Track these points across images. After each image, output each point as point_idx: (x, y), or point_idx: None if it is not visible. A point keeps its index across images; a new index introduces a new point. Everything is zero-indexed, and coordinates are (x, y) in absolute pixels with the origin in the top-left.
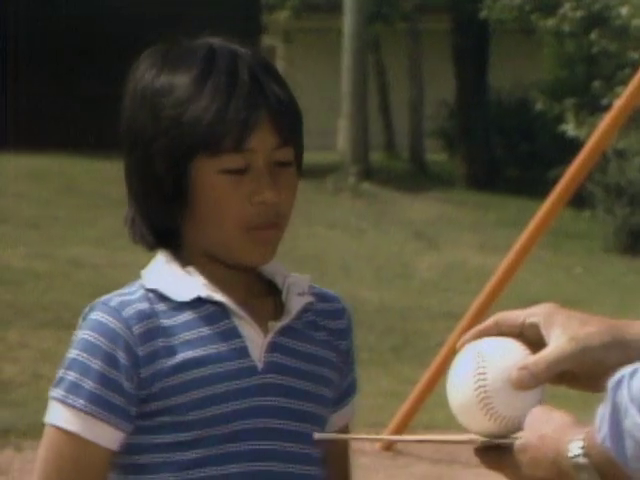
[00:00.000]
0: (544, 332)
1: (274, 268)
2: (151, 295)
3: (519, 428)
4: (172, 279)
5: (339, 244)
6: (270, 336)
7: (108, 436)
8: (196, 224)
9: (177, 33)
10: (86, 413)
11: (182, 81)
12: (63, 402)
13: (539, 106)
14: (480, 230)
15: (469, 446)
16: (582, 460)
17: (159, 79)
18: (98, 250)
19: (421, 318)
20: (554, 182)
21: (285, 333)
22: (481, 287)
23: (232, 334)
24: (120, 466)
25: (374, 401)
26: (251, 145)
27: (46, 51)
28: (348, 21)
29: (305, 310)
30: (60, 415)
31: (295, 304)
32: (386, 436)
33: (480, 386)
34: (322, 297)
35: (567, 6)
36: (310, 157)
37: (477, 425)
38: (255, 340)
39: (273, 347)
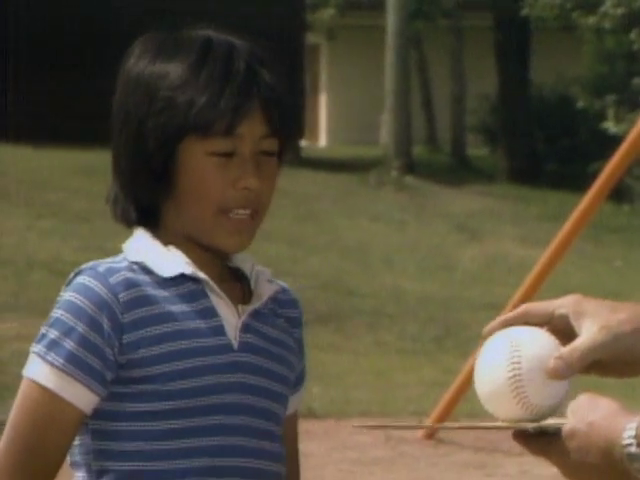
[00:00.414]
0: (574, 323)
1: (242, 256)
2: (135, 267)
3: (546, 416)
4: (156, 254)
5: (382, 236)
6: (244, 317)
7: (82, 397)
8: (178, 204)
9: (222, 30)
10: (63, 372)
11: (179, 66)
12: (43, 358)
13: (580, 103)
14: (521, 223)
15: (509, 433)
16: (635, 450)
17: (155, 64)
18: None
19: (463, 309)
20: (594, 176)
21: (255, 316)
22: (522, 279)
23: (210, 313)
24: (97, 432)
25: (416, 390)
26: (241, 131)
27: (93, 49)
28: (391, 18)
29: (270, 298)
30: (39, 370)
31: (265, 290)
32: (428, 424)
33: (515, 375)
34: (280, 288)
35: (608, 4)
36: (353, 151)
37: (507, 412)
38: (230, 320)
39: (246, 328)
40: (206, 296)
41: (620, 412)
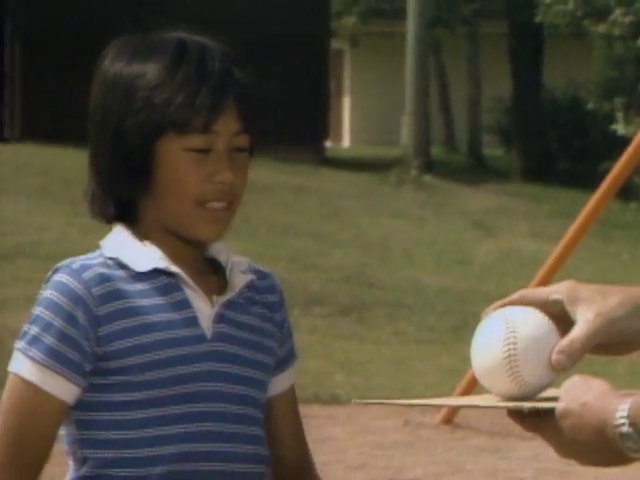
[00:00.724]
0: (568, 307)
1: (218, 247)
2: (110, 262)
3: (538, 393)
4: (131, 250)
5: (402, 232)
6: (217, 308)
7: (63, 389)
8: (156, 198)
9: (252, 36)
10: (44, 365)
11: (155, 67)
12: (25, 354)
13: (590, 106)
14: (534, 220)
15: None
16: (626, 429)
17: (131, 65)
18: None
19: (479, 301)
20: (603, 175)
21: (229, 306)
22: (535, 272)
23: (184, 305)
24: (80, 422)
25: (434, 377)
26: (216, 128)
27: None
28: (411, 26)
29: (245, 286)
30: (22, 365)
31: (239, 281)
32: (430, 400)
33: (510, 354)
34: (258, 274)
35: (617, 12)
36: (375, 151)
37: (501, 389)
38: (204, 311)
39: (220, 318)
40: (180, 289)
41: (611, 393)
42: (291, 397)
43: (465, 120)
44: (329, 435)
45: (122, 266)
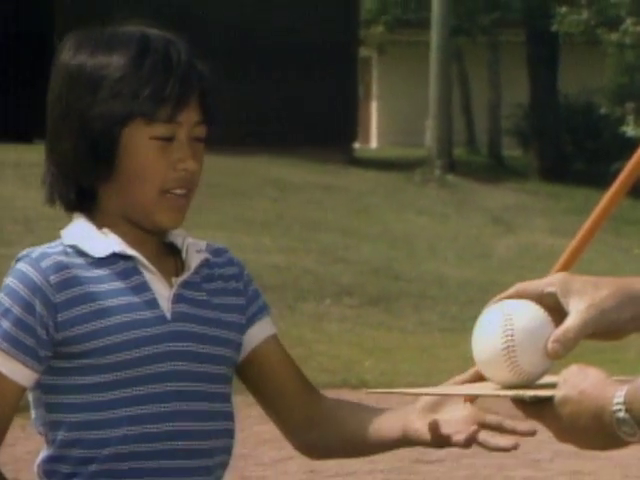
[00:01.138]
0: (562, 300)
1: (175, 231)
2: (70, 250)
3: (535, 381)
4: (89, 237)
5: (426, 228)
6: (175, 289)
7: (18, 372)
8: (119, 186)
9: (288, 44)
10: (1, 350)
11: (121, 59)
12: None
13: (603, 110)
14: (551, 216)
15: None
16: (623, 415)
17: (96, 57)
18: (219, 233)
19: (498, 292)
20: (615, 175)
21: (187, 286)
22: (551, 266)
23: (143, 288)
24: (49, 405)
25: (456, 364)
26: (181, 118)
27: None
28: (435, 35)
29: (202, 266)
30: None
31: (194, 260)
32: (436, 389)
33: (508, 346)
34: (216, 252)
35: (628, 22)
36: (401, 152)
37: (501, 378)
38: (162, 293)
39: (178, 299)
40: (139, 273)
41: (608, 381)
42: (274, 346)
43: (485, 123)
44: None
45: (81, 253)
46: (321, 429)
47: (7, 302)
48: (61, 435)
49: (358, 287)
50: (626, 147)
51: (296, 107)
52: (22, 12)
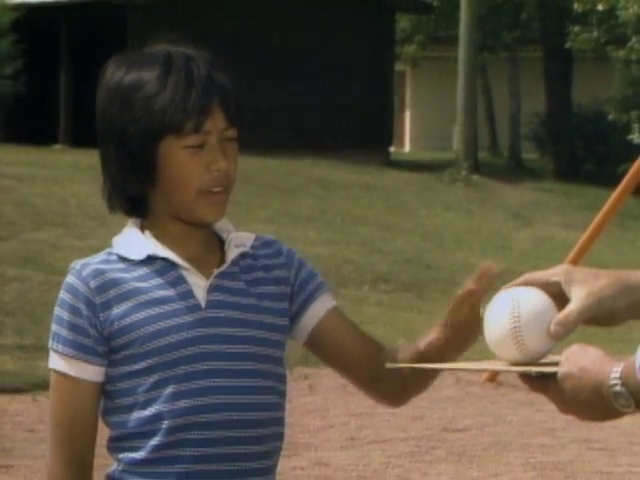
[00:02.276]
0: (565, 288)
1: (223, 227)
2: (113, 257)
3: (539, 359)
4: (131, 243)
5: (453, 222)
6: (211, 280)
7: (87, 371)
8: (163, 191)
9: (333, 60)
10: (67, 355)
11: (148, 78)
12: (53, 349)
13: (611, 117)
14: (564, 212)
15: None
16: (619, 389)
17: (128, 76)
18: (269, 227)
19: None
20: (622, 175)
21: (224, 277)
22: (564, 256)
23: (179, 281)
24: (106, 393)
25: (480, 344)
26: (207, 127)
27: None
28: (462, 51)
29: (243, 257)
30: (53, 360)
31: (232, 254)
32: (452, 364)
33: (515, 327)
34: (265, 244)
35: (634, 39)
36: (431, 155)
37: (508, 355)
38: (199, 284)
39: (214, 289)
40: (175, 269)
41: (606, 358)
42: (335, 316)
43: (506, 129)
44: None
45: (122, 259)
46: (389, 377)
47: (60, 312)
48: (121, 417)
49: (393, 275)
50: (631, 151)
51: (339, 115)
52: (98, 15)
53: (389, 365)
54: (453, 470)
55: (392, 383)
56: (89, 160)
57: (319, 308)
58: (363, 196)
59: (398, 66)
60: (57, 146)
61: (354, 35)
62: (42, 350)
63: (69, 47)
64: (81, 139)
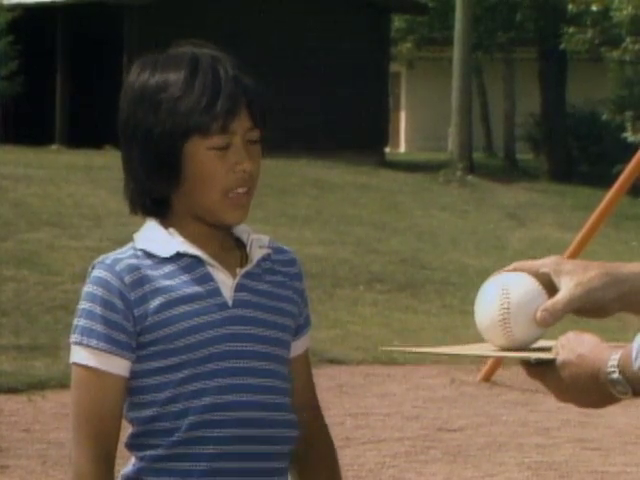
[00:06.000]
0: (554, 279)
1: (241, 228)
2: (139, 253)
3: (527, 346)
4: (157, 239)
5: (448, 223)
6: (237, 279)
7: (119, 366)
8: (187, 192)
9: (328, 61)
10: (100, 350)
11: (174, 79)
12: (80, 344)
13: (605, 117)
14: (559, 212)
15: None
16: (617, 376)
17: (154, 78)
18: (264, 227)
19: None
20: (616, 176)
21: (249, 277)
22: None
23: (206, 279)
24: (130, 389)
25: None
26: (233, 128)
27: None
28: (457, 52)
29: (264, 259)
30: (80, 355)
31: (256, 254)
32: (444, 349)
33: (504, 316)
34: (279, 250)
35: (628, 40)
36: (426, 156)
37: (497, 341)
38: (225, 283)
39: (240, 288)
40: (202, 266)
41: (602, 345)
42: (305, 360)
43: (501, 130)
44: (388, 391)
45: (149, 255)
46: (305, 450)
47: (92, 306)
48: (144, 413)
49: (388, 275)
50: (626, 151)
51: (334, 116)
52: (95, 20)
53: (383, 348)
54: (448, 470)
55: (304, 456)
56: (85, 161)
57: (299, 346)
58: (358, 196)
59: (393, 67)
60: (53, 146)
61: (349, 36)
62: (38, 350)
63: (65, 48)
64: (77, 140)
